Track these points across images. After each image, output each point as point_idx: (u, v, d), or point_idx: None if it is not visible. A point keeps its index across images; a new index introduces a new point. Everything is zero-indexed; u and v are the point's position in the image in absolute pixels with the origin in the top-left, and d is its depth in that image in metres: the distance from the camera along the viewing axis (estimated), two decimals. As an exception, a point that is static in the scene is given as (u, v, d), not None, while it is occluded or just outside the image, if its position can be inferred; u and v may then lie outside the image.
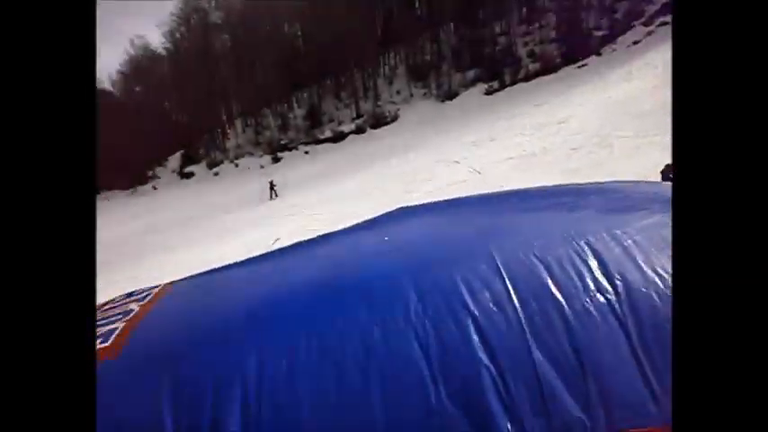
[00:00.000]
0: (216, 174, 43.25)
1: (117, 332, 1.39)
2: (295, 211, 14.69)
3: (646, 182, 2.29)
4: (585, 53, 31.37)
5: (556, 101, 19.95)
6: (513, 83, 33.78)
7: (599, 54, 30.97)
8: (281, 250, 2.20)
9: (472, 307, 1.25)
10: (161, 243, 15.68)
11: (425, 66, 41.68)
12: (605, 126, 12.12)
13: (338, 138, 38.63)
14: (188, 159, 47.88)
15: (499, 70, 35.52)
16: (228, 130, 49.11)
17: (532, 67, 34.44)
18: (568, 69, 30.79)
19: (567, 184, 2.43)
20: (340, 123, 41.42)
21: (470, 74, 37.83)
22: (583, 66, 29.94)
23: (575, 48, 32.13)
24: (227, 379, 1.15)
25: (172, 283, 1.81)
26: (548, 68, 32.58)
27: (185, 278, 1.93)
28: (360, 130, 38.06)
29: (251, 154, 44.11)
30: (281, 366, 1.16)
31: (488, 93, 34.29)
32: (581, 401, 1.12)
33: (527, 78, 33.30)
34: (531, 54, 36.18)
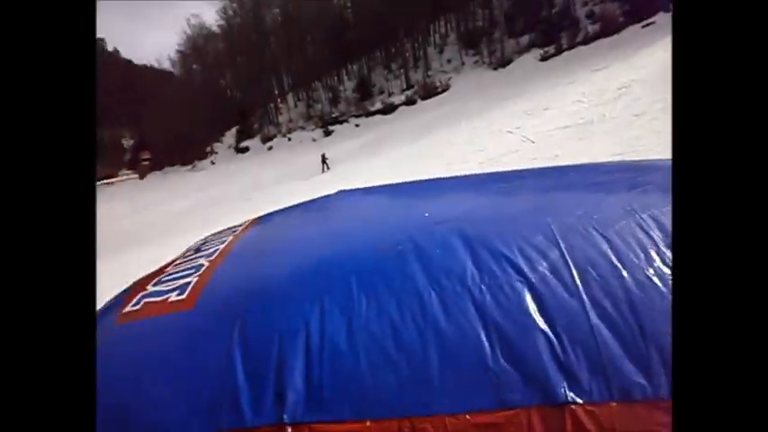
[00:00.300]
0: (270, 148, 44.35)
1: (191, 286, 1.52)
2: (345, 184, 14.83)
3: None
4: (652, 10, 28.64)
5: (617, 65, 18.77)
6: (571, 47, 31.91)
7: (667, 10, 28.43)
8: (328, 203, 2.30)
9: (529, 274, 1.28)
10: (221, 214, 16.46)
11: (477, 32, 40.25)
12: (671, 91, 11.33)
13: (388, 110, 38.36)
14: (243, 134, 49.35)
15: (555, 34, 33.66)
16: (281, 105, 50.01)
17: (592, 28, 32.35)
18: (632, 29, 28.59)
19: (628, 161, 2.36)
20: (390, 95, 41.09)
21: (524, 39, 36.15)
22: (648, 25, 27.66)
23: (639, 5, 29.62)
24: (291, 334, 1.25)
25: (235, 239, 1.93)
26: (609, 30, 30.42)
27: (250, 228, 2.06)
28: (410, 102, 37.58)
29: (303, 128, 44.79)
30: (341, 324, 1.25)
31: (544, 58, 32.65)
32: (641, 367, 1.13)
33: (586, 41, 31.36)
34: (591, 15, 33.94)
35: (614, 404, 1.11)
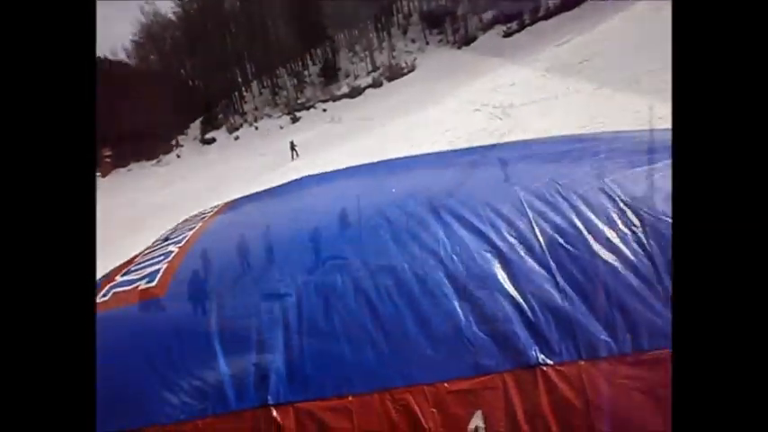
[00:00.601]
0: (236, 138, 43.32)
1: (161, 272, 1.51)
2: (316, 170, 14.65)
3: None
4: (611, -19, 29.07)
5: (579, 38, 19.03)
6: (533, 22, 31.99)
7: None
8: (295, 187, 2.30)
9: (498, 243, 1.32)
10: (190, 209, 16.12)
11: (440, 11, 39.97)
12: (634, 61, 11.56)
13: (355, 93, 37.91)
14: (208, 125, 48.02)
15: (518, 10, 33.73)
16: (245, 93, 48.86)
17: (552, 3, 32.49)
18: (593, 2, 28.91)
19: (592, 132, 2.42)
20: (356, 78, 40.58)
21: (488, 16, 36.09)
22: (609, -4, 27.97)
23: (599, -24, 29.82)
24: (268, 316, 1.27)
25: (204, 225, 1.92)
26: (570, 3, 30.66)
27: (219, 214, 2.05)
28: (377, 84, 37.20)
29: (269, 116, 43.87)
30: (317, 303, 1.27)
31: (507, 35, 32.66)
32: (607, 326, 1.19)
33: (547, 16, 31.48)
34: (552, -11, 34.10)
35: (582, 362, 1.16)
